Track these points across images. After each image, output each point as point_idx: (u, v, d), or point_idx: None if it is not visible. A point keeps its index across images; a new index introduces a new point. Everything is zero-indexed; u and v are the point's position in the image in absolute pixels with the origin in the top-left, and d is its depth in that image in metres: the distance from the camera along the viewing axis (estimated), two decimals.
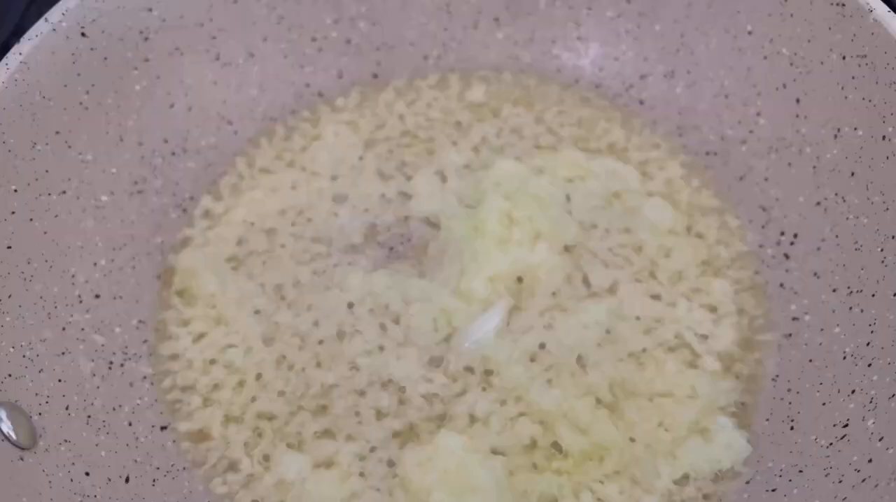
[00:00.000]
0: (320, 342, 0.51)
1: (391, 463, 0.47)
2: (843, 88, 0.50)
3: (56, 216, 0.50)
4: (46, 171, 0.50)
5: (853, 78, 0.49)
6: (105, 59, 0.53)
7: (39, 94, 0.49)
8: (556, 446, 0.46)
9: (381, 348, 0.50)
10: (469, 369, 0.49)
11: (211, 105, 0.60)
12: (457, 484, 0.44)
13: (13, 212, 0.47)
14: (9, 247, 0.46)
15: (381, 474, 0.46)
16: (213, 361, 0.51)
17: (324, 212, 0.57)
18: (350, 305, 0.52)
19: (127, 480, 0.44)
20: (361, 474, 0.46)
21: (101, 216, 0.53)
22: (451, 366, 0.49)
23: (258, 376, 0.50)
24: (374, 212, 0.56)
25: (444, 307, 0.51)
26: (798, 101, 0.53)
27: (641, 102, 0.62)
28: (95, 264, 0.52)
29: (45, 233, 0.49)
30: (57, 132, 0.51)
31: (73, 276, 0.50)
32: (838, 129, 0.51)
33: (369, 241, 0.55)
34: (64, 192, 0.51)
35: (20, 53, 0.48)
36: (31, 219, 0.48)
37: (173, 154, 0.57)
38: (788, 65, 0.54)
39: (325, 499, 0.45)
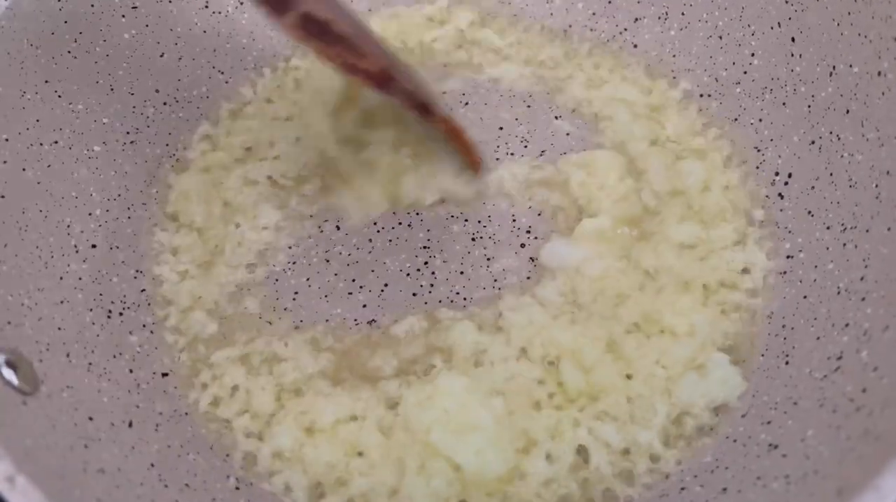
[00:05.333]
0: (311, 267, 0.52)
1: (392, 405, 0.47)
2: (838, 25, 0.50)
3: (49, 166, 0.50)
4: (37, 121, 0.49)
5: (849, 14, 0.49)
6: (92, 6, 0.52)
7: (27, 42, 0.49)
8: (559, 385, 0.47)
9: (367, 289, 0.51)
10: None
11: (201, 54, 0.59)
12: (457, 423, 0.45)
13: (5, 162, 0.47)
14: (2, 197, 0.46)
15: (381, 413, 0.47)
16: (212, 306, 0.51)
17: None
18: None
19: (130, 425, 0.44)
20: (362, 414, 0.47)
21: (94, 166, 0.52)
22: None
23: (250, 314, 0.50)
24: None
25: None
26: (793, 39, 0.53)
27: (635, 46, 0.61)
28: (91, 214, 0.51)
29: (39, 183, 0.49)
30: (46, 81, 0.50)
31: (68, 226, 0.50)
32: (833, 67, 0.51)
33: None
34: (56, 142, 0.50)
35: (6, 0, 0.47)
36: (23, 169, 0.48)
37: (165, 104, 0.57)
38: (784, 3, 0.53)
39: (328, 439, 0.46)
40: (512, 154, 0.57)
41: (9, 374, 0.40)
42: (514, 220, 0.54)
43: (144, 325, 0.50)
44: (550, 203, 0.54)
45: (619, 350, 0.48)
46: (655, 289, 0.50)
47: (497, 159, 0.56)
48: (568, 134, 0.58)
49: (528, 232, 0.53)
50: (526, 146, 0.57)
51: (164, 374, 0.49)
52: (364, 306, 0.51)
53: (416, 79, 0.49)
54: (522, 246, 0.53)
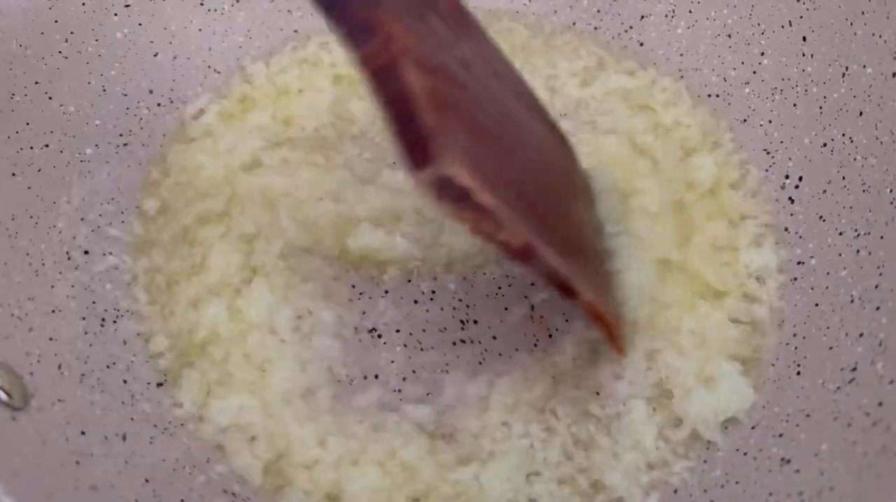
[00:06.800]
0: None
1: None
2: (851, 24, 0.48)
3: (39, 170, 0.48)
4: (27, 124, 0.48)
5: (863, 13, 0.48)
6: (84, 4, 0.51)
7: (16, 43, 0.47)
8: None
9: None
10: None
11: (196, 53, 0.57)
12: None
13: None
14: None
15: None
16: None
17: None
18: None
19: (124, 438, 0.43)
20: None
21: (86, 170, 0.51)
22: None
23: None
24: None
25: None
26: (804, 38, 0.52)
27: (641, 44, 0.60)
28: (83, 219, 0.50)
29: (29, 188, 0.47)
30: (36, 82, 0.49)
31: (60, 233, 0.48)
32: (846, 68, 0.49)
33: None
34: (46, 146, 0.49)
35: None
36: (13, 174, 0.47)
37: (159, 105, 0.55)
38: (795, 1, 0.52)
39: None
40: None
41: None
42: None
43: (139, 334, 0.49)
44: None
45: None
46: (678, 293, 0.49)
47: None
48: (575, 134, 0.56)
49: None
50: None
51: (160, 384, 0.47)
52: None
53: (569, 249, 0.42)
54: None
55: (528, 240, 0.35)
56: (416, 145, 0.31)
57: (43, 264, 0.47)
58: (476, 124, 0.35)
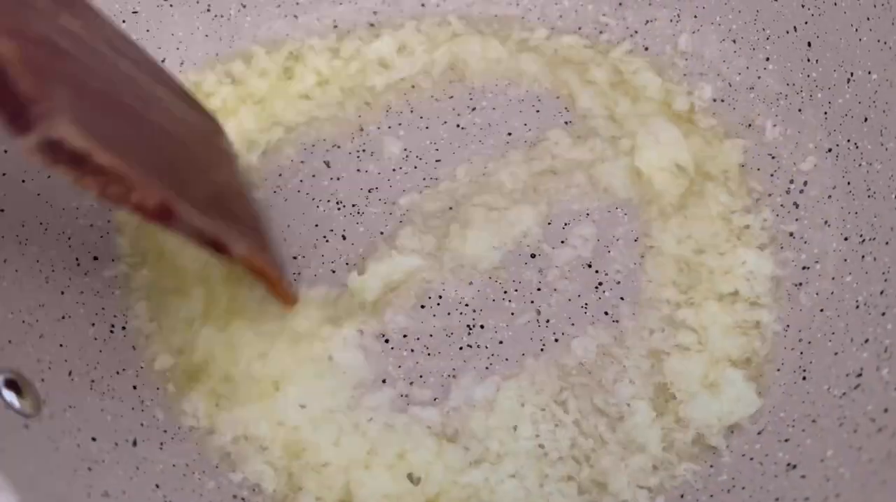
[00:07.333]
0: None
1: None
2: (857, 30, 0.49)
3: (49, 177, 0.48)
4: None
5: (868, 19, 0.48)
6: None
7: None
8: None
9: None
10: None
11: (204, 59, 0.58)
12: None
13: (4, 174, 0.46)
14: (2, 210, 0.45)
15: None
16: None
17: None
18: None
19: (134, 443, 0.44)
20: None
21: None
22: None
23: None
24: None
25: None
26: (809, 44, 0.52)
27: (646, 49, 0.60)
28: (91, 226, 0.50)
29: (39, 194, 0.48)
30: None
31: (69, 239, 0.49)
32: (851, 73, 0.49)
33: None
34: None
35: None
36: (22, 181, 0.47)
37: None
38: (800, 6, 0.52)
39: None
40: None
41: (10, 396, 0.39)
42: (549, 224, 0.52)
43: (148, 337, 0.49)
44: (570, 190, 0.53)
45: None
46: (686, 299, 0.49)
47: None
48: (579, 136, 0.56)
49: (557, 224, 0.52)
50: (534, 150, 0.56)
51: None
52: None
53: (215, 207, 0.42)
54: (562, 242, 0.52)
55: (164, 199, 0.34)
56: (16, 112, 0.30)
57: (53, 270, 0.47)
58: (88, 90, 0.35)
